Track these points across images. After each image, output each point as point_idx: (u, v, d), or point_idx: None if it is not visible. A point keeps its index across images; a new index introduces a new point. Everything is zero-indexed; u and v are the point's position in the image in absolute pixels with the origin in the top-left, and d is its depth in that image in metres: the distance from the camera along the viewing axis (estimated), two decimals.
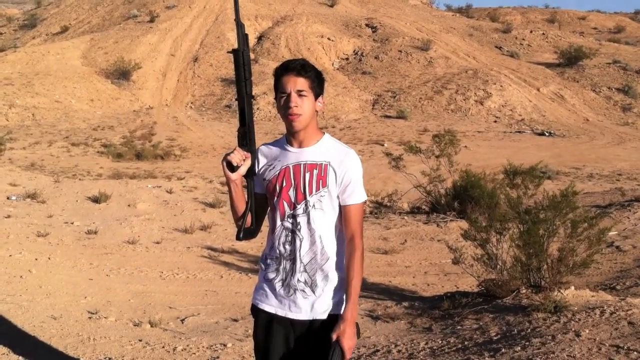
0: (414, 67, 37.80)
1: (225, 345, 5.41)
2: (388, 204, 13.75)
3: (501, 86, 33.87)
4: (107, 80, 34.50)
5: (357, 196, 2.80)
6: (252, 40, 39.68)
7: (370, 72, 37.64)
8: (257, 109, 30.51)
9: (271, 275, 2.82)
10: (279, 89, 2.75)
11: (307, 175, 2.75)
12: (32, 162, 20.74)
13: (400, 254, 9.97)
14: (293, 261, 2.77)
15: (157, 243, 10.21)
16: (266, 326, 2.83)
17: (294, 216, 2.76)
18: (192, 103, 34.46)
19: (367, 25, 44.54)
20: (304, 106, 2.72)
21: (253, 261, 9.14)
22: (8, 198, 12.14)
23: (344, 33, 42.82)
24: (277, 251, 2.81)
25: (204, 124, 30.25)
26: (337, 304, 2.79)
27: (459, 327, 5.65)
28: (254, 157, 2.77)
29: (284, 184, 2.77)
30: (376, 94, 34.96)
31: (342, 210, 2.80)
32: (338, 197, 2.78)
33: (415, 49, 39.49)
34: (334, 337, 2.68)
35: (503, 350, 4.72)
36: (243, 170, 2.72)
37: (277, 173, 2.79)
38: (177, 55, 38.96)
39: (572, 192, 6.40)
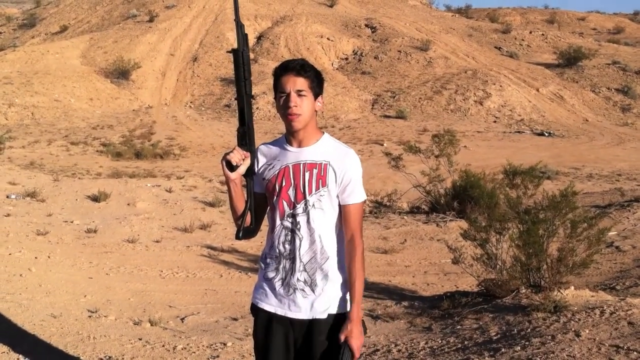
0: (414, 67, 37.81)
1: (225, 344, 5.42)
2: (388, 203, 13.76)
3: (500, 86, 33.88)
4: (106, 79, 34.49)
5: (356, 196, 2.80)
6: (251, 40, 39.67)
7: (370, 72, 37.64)
8: (257, 108, 30.51)
9: (271, 275, 2.82)
10: (279, 89, 2.76)
11: (307, 174, 2.75)
12: (31, 161, 20.73)
13: (399, 254, 9.97)
14: (293, 260, 2.77)
15: (157, 242, 10.21)
16: (266, 325, 2.84)
17: (293, 215, 2.76)
18: (191, 102, 34.46)
19: (366, 25, 44.54)
20: (303, 106, 2.72)
21: (253, 260, 9.14)
22: (7, 197, 12.14)
23: (343, 33, 42.82)
24: (277, 250, 2.81)
25: (204, 124, 30.25)
26: (337, 303, 2.79)
27: (458, 327, 5.65)
28: (254, 157, 2.77)
29: (284, 184, 2.77)
30: (375, 94, 34.96)
31: (342, 210, 2.80)
32: (338, 196, 2.78)
33: (414, 49, 39.50)
34: (342, 337, 2.71)
35: (503, 350, 4.72)
36: (242, 169, 2.72)
37: (276, 172, 2.79)
38: (176, 54, 38.96)
39: (571, 192, 6.41)
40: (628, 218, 11.06)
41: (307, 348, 2.78)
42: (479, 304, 6.11)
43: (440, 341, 5.31)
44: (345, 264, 2.82)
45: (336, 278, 2.80)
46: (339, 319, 2.79)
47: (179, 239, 10.50)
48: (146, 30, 40.99)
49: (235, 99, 2.74)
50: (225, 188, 12.96)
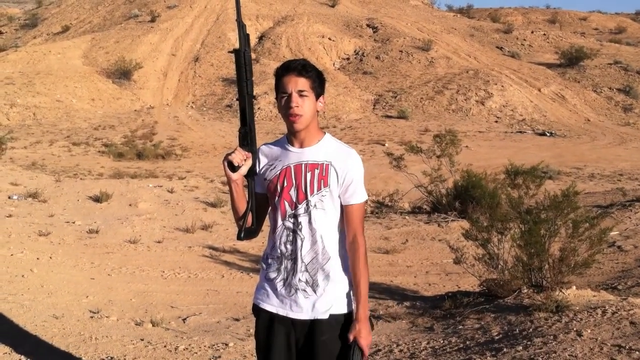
0: (415, 67, 37.80)
1: (227, 345, 5.41)
2: (389, 203, 13.77)
3: (502, 86, 33.86)
4: (108, 79, 34.53)
5: (358, 196, 2.80)
6: (253, 40, 39.69)
7: (371, 72, 37.64)
8: (258, 108, 30.53)
9: (272, 275, 2.82)
10: (280, 89, 2.75)
11: (309, 175, 2.75)
12: (33, 162, 20.76)
13: (401, 254, 9.97)
14: (294, 261, 2.77)
15: (159, 242, 10.22)
16: (267, 326, 2.83)
17: (295, 216, 2.76)
18: (193, 103, 34.48)
19: (368, 25, 44.55)
20: (305, 106, 2.72)
21: (254, 261, 9.14)
22: (9, 197, 12.16)
23: (344, 33, 42.83)
24: (279, 251, 2.81)
25: (205, 124, 30.27)
26: (338, 303, 2.79)
27: (460, 327, 5.65)
28: (255, 157, 2.77)
29: (285, 184, 2.77)
30: (377, 94, 34.96)
31: (344, 210, 2.80)
32: (339, 196, 2.78)
33: (416, 49, 39.50)
34: (351, 337, 2.73)
35: (505, 349, 4.72)
36: (244, 170, 2.72)
37: (278, 173, 2.79)
38: (178, 55, 38.99)
39: (573, 192, 6.40)
40: (630, 218, 11.05)
41: (309, 348, 2.78)
42: (481, 304, 6.10)
43: (442, 341, 5.30)
44: (346, 265, 2.83)
45: (337, 278, 2.80)
46: (340, 320, 2.79)
47: (180, 240, 10.51)
48: (148, 30, 41.03)
49: (237, 99, 2.74)
50: (226, 188, 12.96)
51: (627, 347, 4.36)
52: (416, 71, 37.33)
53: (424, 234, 11.05)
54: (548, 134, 28.54)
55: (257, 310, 2.89)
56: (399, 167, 13.41)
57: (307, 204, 2.74)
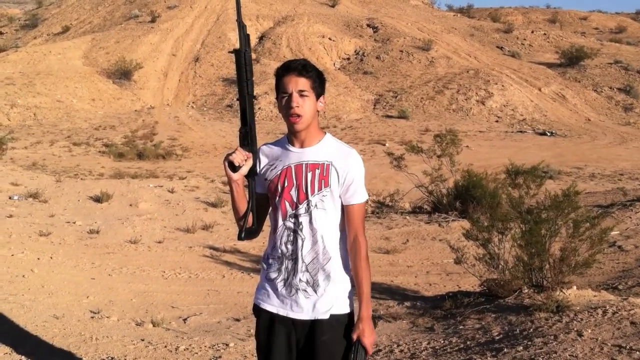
0: (416, 67, 37.79)
1: (227, 345, 5.42)
2: (390, 203, 13.77)
3: (502, 86, 33.85)
4: (108, 80, 34.54)
5: (359, 196, 2.81)
6: (253, 40, 39.69)
7: (372, 72, 37.64)
8: (259, 108, 30.53)
9: (273, 275, 2.82)
10: (281, 89, 2.75)
11: (309, 175, 2.75)
12: (33, 162, 20.76)
13: (402, 254, 9.97)
14: (295, 261, 2.77)
15: (159, 242, 10.22)
16: (268, 326, 2.83)
17: (296, 216, 2.76)
18: (193, 103, 34.49)
19: (368, 25, 44.53)
20: (305, 106, 2.72)
21: (255, 261, 9.15)
22: (10, 198, 12.16)
23: (345, 33, 42.82)
24: (279, 251, 2.81)
25: (206, 124, 30.27)
26: (339, 303, 2.79)
27: (461, 327, 5.65)
28: (256, 157, 2.77)
29: (286, 184, 2.77)
30: (377, 94, 34.96)
31: (345, 210, 2.81)
32: (340, 196, 2.78)
33: (416, 49, 39.49)
34: (355, 337, 2.75)
35: (505, 350, 4.72)
36: (245, 170, 2.72)
37: (278, 173, 2.79)
38: (178, 55, 38.99)
39: (574, 191, 6.40)
40: (630, 217, 11.05)
41: (310, 349, 2.78)
42: (482, 304, 6.10)
43: (442, 341, 5.30)
44: (347, 265, 2.83)
45: (338, 278, 2.80)
46: (341, 319, 2.79)
47: (181, 240, 10.51)
48: (148, 30, 41.03)
49: (237, 99, 2.74)
50: (227, 188, 12.94)
51: (627, 347, 4.36)
52: (416, 71, 37.32)
53: (425, 234, 11.05)
54: (548, 134, 28.53)
55: (257, 310, 2.89)
56: (400, 167, 13.41)
57: (307, 204, 2.75)
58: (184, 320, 6.58)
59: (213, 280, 8.45)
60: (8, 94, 30.26)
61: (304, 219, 2.75)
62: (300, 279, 2.76)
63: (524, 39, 45.28)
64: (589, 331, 4.77)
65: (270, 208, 2.87)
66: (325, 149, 2.79)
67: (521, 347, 4.69)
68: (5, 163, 18.19)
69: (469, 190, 11.76)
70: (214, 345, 5.42)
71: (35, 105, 30.08)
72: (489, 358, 4.64)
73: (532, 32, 47.01)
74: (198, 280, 8.42)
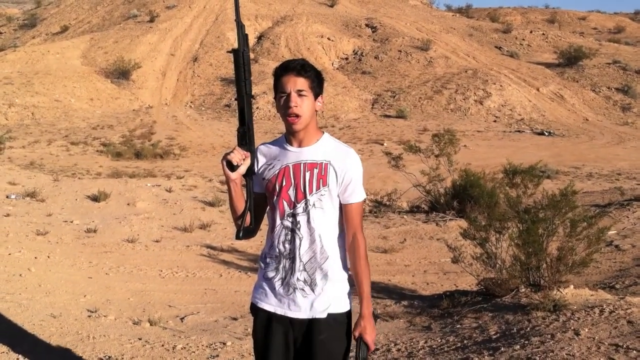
0: (414, 67, 37.80)
1: (224, 344, 5.42)
2: (387, 203, 13.77)
3: (501, 86, 33.87)
4: (106, 79, 34.51)
5: (357, 195, 2.81)
6: (252, 40, 39.70)
7: (370, 72, 37.64)
8: (257, 108, 30.51)
9: (270, 274, 2.83)
10: (279, 89, 2.76)
11: (308, 174, 2.76)
12: (31, 161, 20.74)
13: (399, 253, 9.98)
14: (292, 260, 2.78)
15: (157, 242, 10.22)
16: (265, 325, 2.84)
17: (293, 215, 2.77)
18: (191, 102, 34.47)
19: (367, 25, 44.54)
20: (303, 106, 2.72)
21: (252, 260, 9.15)
22: (7, 197, 12.15)
23: (343, 33, 42.82)
24: (277, 250, 2.81)
25: (204, 123, 30.26)
26: (336, 302, 2.80)
27: (458, 326, 5.65)
28: (253, 157, 2.77)
29: (284, 183, 2.77)
30: (376, 94, 34.97)
31: (343, 209, 2.81)
32: (338, 196, 2.79)
33: (415, 49, 39.50)
34: (356, 334, 2.78)
35: (502, 349, 4.73)
36: (243, 169, 2.72)
37: (276, 172, 2.79)
38: (176, 54, 38.96)
39: (571, 191, 6.41)
40: (628, 217, 11.07)
41: (307, 347, 2.78)
42: (479, 303, 6.11)
43: (439, 340, 5.31)
44: (345, 264, 2.84)
45: (336, 277, 2.80)
46: (338, 318, 2.80)
47: (178, 239, 10.51)
48: (147, 30, 41.01)
49: (236, 99, 2.74)
50: (225, 188, 12.91)
51: (624, 346, 4.36)
52: (415, 71, 37.33)
53: (422, 233, 11.06)
54: (546, 134, 28.56)
55: (255, 309, 2.90)
56: (398, 166, 13.41)
57: (305, 203, 2.75)
58: (181, 319, 6.58)
59: (210, 279, 8.45)
60: (6, 94, 30.24)
61: (301, 218, 2.76)
62: (297, 278, 2.77)
63: (523, 39, 45.31)
64: (586, 330, 4.78)
65: (268, 207, 2.87)
66: (323, 149, 2.80)
67: (518, 346, 4.70)
68: (3, 162, 18.18)
69: (466, 189, 11.77)
70: (211, 344, 5.42)
71: (33, 104, 30.06)
72: (486, 357, 4.64)
73: (531, 32, 47.04)
74: (195, 279, 8.42)
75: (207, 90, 35.47)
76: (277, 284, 2.80)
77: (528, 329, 5.10)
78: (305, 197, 2.75)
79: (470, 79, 34.94)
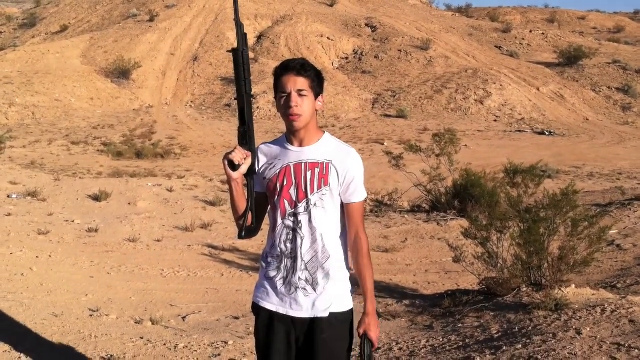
0: (414, 66, 37.80)
1: (226, 343, 5.42)
2: (388, 202, 13.77)
3: (501, 85, 33.87)
4: (106, 79, 34.52)
5: (359, 194, 2.82)
6: (251, 40, 39.73)
7: (370, 72, 37.64)
8: (257, 107, 30.52)
9: (272, 274, 2.83)
10: (279, 89, 2.76)
11: (309, 173, 2.76)
12: (32, 161, 20.75)
13: (400, 253, 9.98)
14: (294, 259, 2.78)
15: (158, 241, 10.22)
16: (267, 324, 2.84)
17: (295, 214, 2.77)
18: (192, 102, 34.47)
19: (366, 24, 44.54)
20: (304, 106, 2.72)
21: (254, 259, 9.15)
22: (9, 196, 12.16)
23: (343, 32, 42.82)
24: (278, 249, 2.81)
25: (204, 123, 30.27)
26: (338, 302, 2.80)
27: (460, 325, 5.65)
28: (254, 156, 2.77)
29: (285, 183, 2.77)
30: (376, 93, 34.97)
31: (345, 209, 2.82)
32: (340, 195, 2.79)
33: (415, 49, 39.50)
34: (361, 331, 2.79)
35: (504, 348, 4.73)
36: (244, 169, 2.72)
37: (277, 172, 2.79)
38: (176, 54, 38.97)
39: (572, 191, 6.41)
40: (629, 216, 11.07)
41: (309, 347, 2.78)
42: (480, 303, 6.11)
43: (441, 339, 5.31)
44: (346, 263, 2.85)
45: (337, 276, 2.80)
46: (340, 318, 2.80)
47: (180, 238, 10.51)
48: (146, 29, 41.01)
49: (235, 98, 2.74)
50: (225, 187, 12.95)
51: (626, 345, 4.36)
52: (415, 70, 37.34)
53: (423, 233, 11.06)
54: (547, 133, 28.56)
55: (256, 308, 2.90)
56: (398, 166, 13.41)
57: (307, 203, 2.75)
58: (183, 318, 6.58)
59: (212, 278, 8.45)
60: (6, 93, 30.25)
61: (303, 218, 2.76)
62: (299, 277, 2.77)
63: (523, 39, 45.31)
64: (588, 329, 4.78)
65: (269, 207, 2.87)
66: (324, 148, 2.80)
67: (520, 345, 4.70)
68: (4, 162, 18.18)
69: (467, 189, 11.78)
70: (213, 343, 5.42)
71: (34, 104, 30.06)
72: (487, 356, 4.65)
73: (531, 31, 47.03)
74: (197, 278, 8.43)
75: (208, 90, 35.47)
76: (279, 283, 2.80)
77: (530, 328, 5.10)
78: (306, 196, 2.75)
79: (470, 78, 34.95)
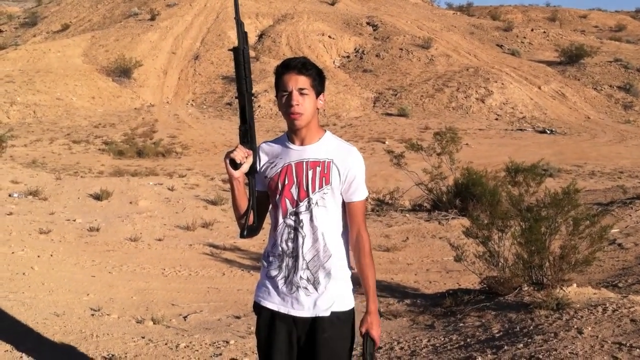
0: (415, 65, 37.79)
1: (227, 342, 5.42)
2: (390, 201, 13.76)
3: (502, 84, 33.86)
4: (108, 78, 34.54)
5: (360, 193, 2.82)
6: (253, 38, 39.73)
7: (371, 70, 37.63)
8: (258, 106, 30.53)
9: (273, 273, 2.82)
10: (280, 87, 2.75)
11: (310, 172, 2.75)
12: (33, 160, 20.76)
13: (402, 252, 9.97)
14: (295, 258, 2.77)
15: (159, 240, 10.22)
16: (269, 323, 2.84)
17: (296, 213, 2.76)
18: (193, 101, 34.48)
19: (368, 23, 44.53)
20: (305, 104, 2.72)
21: (255, 258, 9.15)
22: (10, 195, 12.15)
23: (344, 31, 42.81)
24: (280, 248, 2.81)
25: (205, 122, 30.27)
26: (340, 301, 2.80)
27: (461, 324, 5.65)
28: (255, 155, 2.77)
29: (286, 182, 2.77)
30: (377, 92, 34.96)
31: (347, 207, 2.82)
32: (341, 194, 2.79)
33: (416, 47, 39.49)
34: (363, 330, 2.80)
35: (505, 347, 4.72)
36: (245, 167, 2.71)
37: (279, 171, 2.79)
38: (178, 53, 38.98)
39: (573, 189, 6.40)
40: (630, 215, 11.05)
41: (310, 346, 2.78)
42: (482, 302, 6.11)
43: (442, 339, 5.31)
44: (348, 262, 2.84)
45: (339, 276, 2.80)
46: (342, 317, 2.80)
47: (181, 237, 10.51)
48: (148, 28, 41.02)
49: (236, 97, 2.74)
50: (227, 186, 12.93)
51: (627, 344, 4.36)
52: (416, 69, 37.32)
53: (425, 232, 11.05)
54: (548, 132, 28.54)
55: (258, 308, 2.89)
56: (400, 164, 13.40)
57: (308, 202, 2.75)
58: (184, 317, 6.58)
59: (213, 277, 8.45)
60: (8, 92, 30.27)
61: (304, 217, 2.75)
62: (301, 277, 2.76)
63: (524, 37, 45.29)
64: (589, 329, 4.78)
65: (271, 206, 2.87)
66: (325, 147, 2.80)
67: (521, 345, 4.69)
68: (5, 161, 18.17)
69: (468, 188, 11.77)
70: (215, 343, 5.42)
71: (35, 103, 30.08)
72: (489, 355, 4.64)
73: (532, 30, 47.01)
74: (198, 277, 8.43)
75: (209, 89, 35.49)
76: (280, 282, 2.80)
77: (531, 327, 5.10)
78: (307, 195, 2.74)
79: (471, 77, 34.94)
